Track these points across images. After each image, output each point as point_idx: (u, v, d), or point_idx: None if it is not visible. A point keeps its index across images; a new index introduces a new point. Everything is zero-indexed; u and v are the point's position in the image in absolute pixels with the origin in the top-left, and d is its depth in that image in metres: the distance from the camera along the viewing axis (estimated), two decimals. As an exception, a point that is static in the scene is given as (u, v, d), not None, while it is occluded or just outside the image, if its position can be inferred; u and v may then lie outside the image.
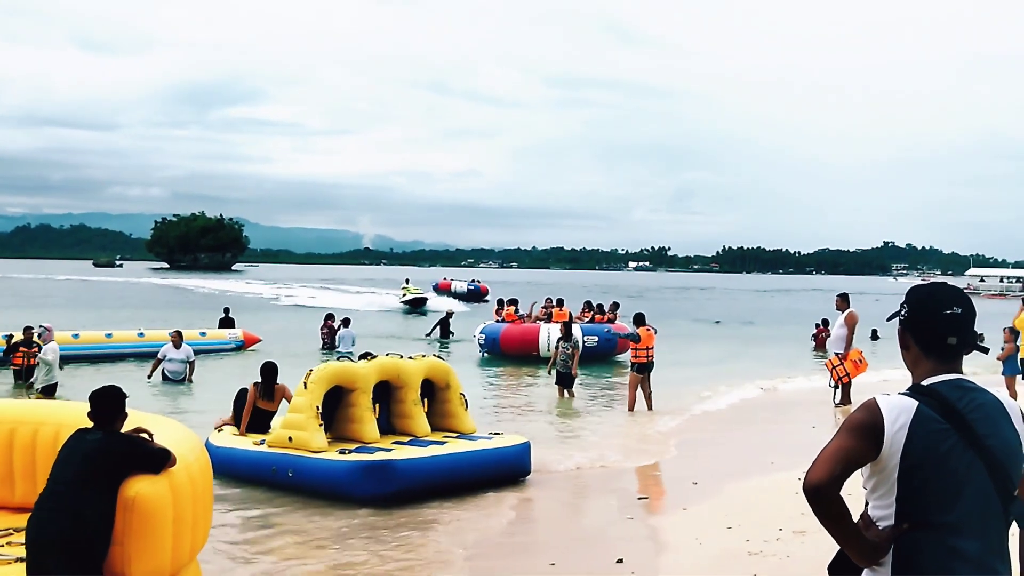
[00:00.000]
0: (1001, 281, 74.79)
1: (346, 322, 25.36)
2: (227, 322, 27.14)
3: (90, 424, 5.38)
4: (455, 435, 10.85)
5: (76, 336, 22.86)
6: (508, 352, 24.30)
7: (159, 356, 19.15)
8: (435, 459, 9.85)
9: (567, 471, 11.14)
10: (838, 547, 2.73)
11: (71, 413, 5.99)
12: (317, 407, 10.03)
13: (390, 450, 9.85)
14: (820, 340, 29.05)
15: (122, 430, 5.40)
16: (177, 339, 19.33)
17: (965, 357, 2.83)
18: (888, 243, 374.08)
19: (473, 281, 66.76)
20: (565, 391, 17.38)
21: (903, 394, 2.70)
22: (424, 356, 11.49)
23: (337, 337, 24.85)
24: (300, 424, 9.99)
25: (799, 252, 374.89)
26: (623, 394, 16.81)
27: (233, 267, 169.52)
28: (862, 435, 2.64)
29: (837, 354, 15.66)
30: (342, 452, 9.77)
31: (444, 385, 11.21)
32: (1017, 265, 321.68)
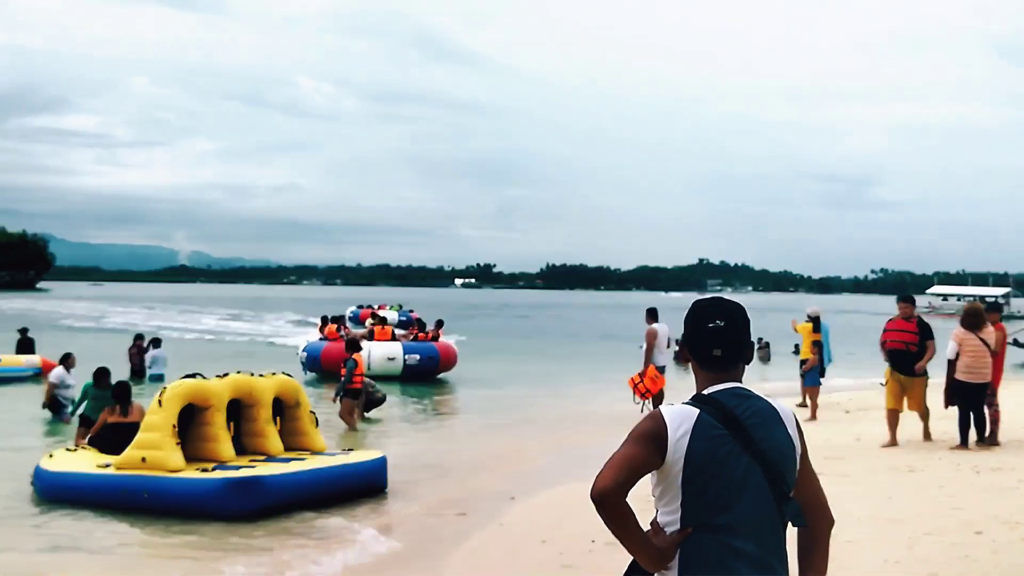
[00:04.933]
0: (959, 300, 79.37)
1: (156, 343, 24.19)
2: (25, 344, 25.31)
3: None
4: (308, 453, 10.68)
5: None
6: (329, 369, 23.84)
7: (52, 381, 16.79)
8: (301, 474, 9.75)
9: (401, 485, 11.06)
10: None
11: None
12: (174, 425, 9.67)
13: (253, 467, 9.66)
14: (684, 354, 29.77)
15: None
16: (71, 362, 17.07)
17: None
18: (703, 260, 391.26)
19: (404, 310, 53.15)
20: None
21: (686, 403, 2.82)
22: (275, 373, 11.21)
23: (148, 358, 23.65)
24: (155, 443, 9.60)
25: (620, 269, 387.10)
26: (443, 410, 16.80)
27: (37, 285, 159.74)
28: (647, 443, 2.74)
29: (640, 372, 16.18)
30: (204, 471, 9.48)
31: (294, 403, 11.01)
32: (822, 281, 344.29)
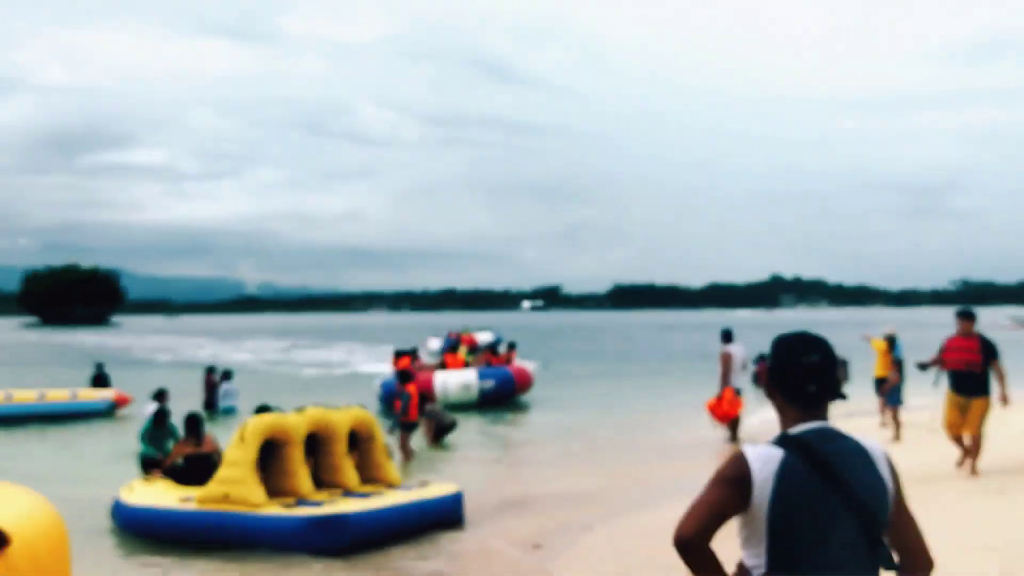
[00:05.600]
0: None
1: (227, 375, 24.46)
2: (100, 380, 25.78)
3: None
4: (384, 486, 10.66)
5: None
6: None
7: None
8: (382, 511, 9.71)
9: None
10: None
11: None
12: (255, 461, 9.69)
13: (335, 502, 9.66)
14: (762, 375, 29.30)
15: None
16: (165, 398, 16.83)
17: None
18: (776, 275, 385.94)
19: (496, 335, 49.95)
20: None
21: (770, 444, 2.75)
22: (350, 406, 11.21)
23: (219, 391, 23.93)
24: (238, 479, 9.60)
25: (690, 287, 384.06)
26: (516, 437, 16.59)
27: (110, 320, 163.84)
28: (730, 486, 2.68)
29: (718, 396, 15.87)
30: (287, 507, 9.48)
31: (368, 436, 10.97)
32: (900, 294, 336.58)
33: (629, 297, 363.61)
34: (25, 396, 22.90)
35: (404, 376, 16.71)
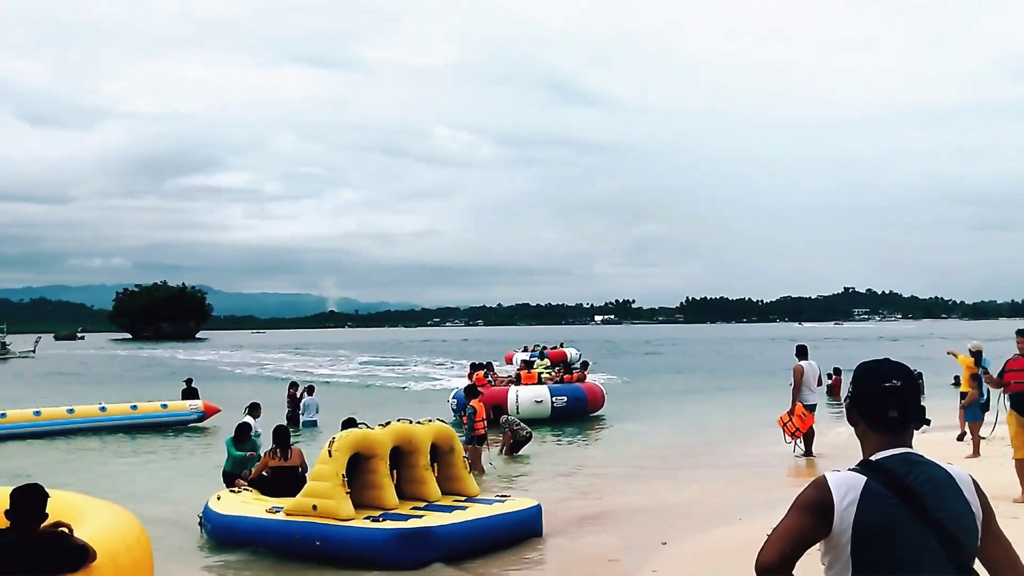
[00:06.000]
0: None
1: (310, 390, 25.12)
2: (190, 393, 26.71)
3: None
4: (463, 499, 10.87)
5: (37, 413, 22.53)
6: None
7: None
8: (467, 525, 9.87)
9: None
10: None
11: (1, 499, 5.69)
12: (343, 475, 9.93)
13: (420, 516, 9.86)
14: (836, 388, 29.13)
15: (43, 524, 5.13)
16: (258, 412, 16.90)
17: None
18: (849, 288, 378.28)
19: (542, 348, 50.65)
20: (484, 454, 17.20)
21: (852, 470, 2.72)
22: (431, 420, 11.45)
23: (301, 405, 24.58)
24: (326, 492, 9.85)
25: (762, 300, 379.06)
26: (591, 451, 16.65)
27: (197, 335, 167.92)
28: (812, 513, 2.65)
29: (789, 411, 15.84)
30: (374, 519, 9.68)
31: (448, 449, 11.22)
32: (976, 306, 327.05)
33: (701, 310, 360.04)
34: (119, 408, 23.86)
35: (471, 391, 17.06)
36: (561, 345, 53.69)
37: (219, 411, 25.13)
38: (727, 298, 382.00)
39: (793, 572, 2.62)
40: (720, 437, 19.98)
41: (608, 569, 9.36)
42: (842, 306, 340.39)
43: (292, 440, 12.50)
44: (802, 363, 15.89)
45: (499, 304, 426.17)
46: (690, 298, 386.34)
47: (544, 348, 51.30)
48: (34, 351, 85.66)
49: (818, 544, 2.70)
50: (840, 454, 15.84)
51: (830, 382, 29.25)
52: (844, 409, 2.92)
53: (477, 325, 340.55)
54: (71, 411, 23.14)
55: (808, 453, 15.83)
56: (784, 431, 15.90)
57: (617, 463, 17.06)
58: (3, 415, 21.76)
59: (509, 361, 47.71)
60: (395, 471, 10.71)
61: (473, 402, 16.42)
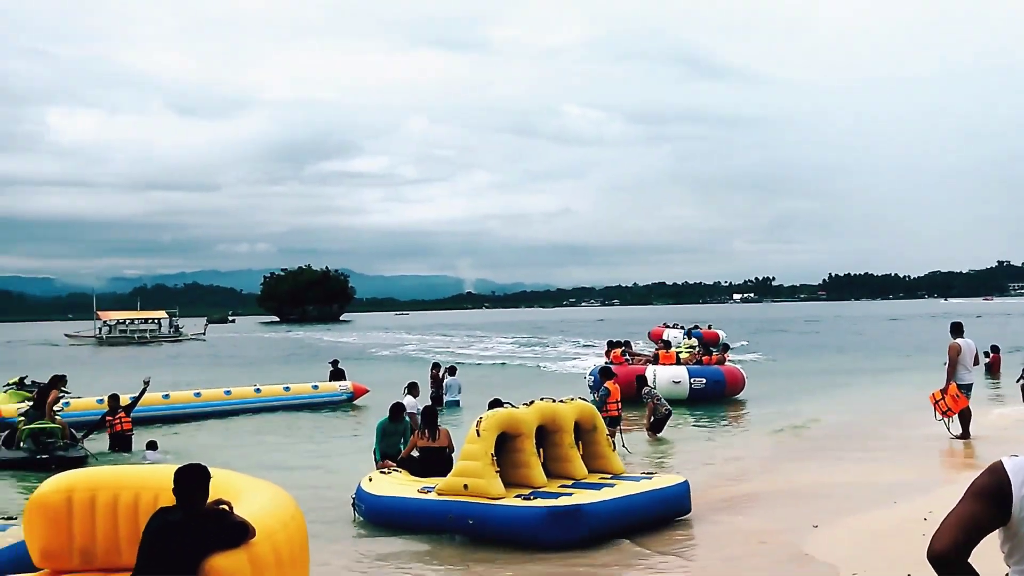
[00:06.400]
0: None
1: (452, 370, 25.61)
2: (337, 374, 27.66)
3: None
4: (609, 476, 10.93)
5: (197, 394, 23.75)
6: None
7: (410, 411, 15.44)
8: (618, 501, 9.92)
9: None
10: None
11: (170, 477, 5.95)
12: (492, 454, 10.09)
13: (570, 494, 9.95)
14: (995, 366, 28.06)
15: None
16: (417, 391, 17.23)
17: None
18: (1003, 262, 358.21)
19: (695, 328, 50.73)
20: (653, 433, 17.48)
21: None
22: (572, 399, 11.55)
23: (444, 386, 25.09)
24: (476, 471, 10.00)
25: (908, 276, 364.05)
26: (734, 432, 16.47)
27: (341, 317, 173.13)
28: (988, 500, 2.58)
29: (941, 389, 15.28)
30: (524, 498, 9.82)
31: (591, 427, 11.30)
32: None
33: (845, 287, 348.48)
34: (272, 390, 24.97)
35: (605, 372, 17.09)
36: (709, 327, 52.91)
37: (367, 391, 25.98)
38: (872, 274, 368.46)
39: (969, 561, 2.55)
40: (869, 419, 19.36)
41: (757, 552, 9.27)
42: (995, 281, 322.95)
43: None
44: (958, 341, 15.29)
45: (634, 283, 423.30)
46: (833, 274, 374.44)
47: (697, 327, 50.93)
48: (204, 334, 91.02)
49: (997, 531, 2.64)
50: (1000, 436, 15.19)
51: (988, 360, 27.96)
52: (1021, 390, 2.86)
53: (613, 305, 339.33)
54: (228, 392, 24.30)
55: (965, 436, 15.22)
56: (936, 409, 15.36)
57: (760, 445, 16.81)
58: (166, 396, 23.01)
59: (657, 338, 46.89)
60: (540, 450, 10.80)
61: (607, 383, 16.46)
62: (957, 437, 15.24)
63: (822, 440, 16.74)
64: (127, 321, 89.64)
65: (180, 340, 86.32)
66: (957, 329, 15.48)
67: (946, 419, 15.29)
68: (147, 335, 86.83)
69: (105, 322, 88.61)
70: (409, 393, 17.34)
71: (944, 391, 15.13)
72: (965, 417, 15.27)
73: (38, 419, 16.32)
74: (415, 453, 12.17)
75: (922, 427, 16.68)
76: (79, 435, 16.69)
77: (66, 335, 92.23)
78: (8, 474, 14.89)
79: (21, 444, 15.95)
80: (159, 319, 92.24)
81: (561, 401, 11.29)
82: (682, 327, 52.03)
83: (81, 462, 14.89)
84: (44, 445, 15.79)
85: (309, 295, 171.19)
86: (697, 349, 28.84)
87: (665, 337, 42.03)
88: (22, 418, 17.00)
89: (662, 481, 10.76)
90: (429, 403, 14.68)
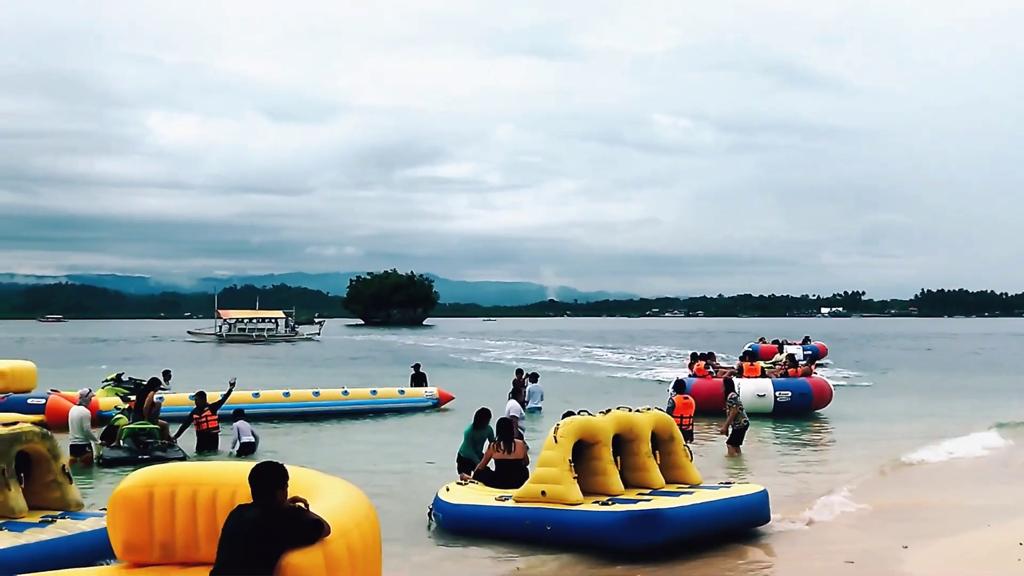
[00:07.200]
0: None
1: (534, 377, 25.67)
2: (419, 379, 27.86)
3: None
4: (687, 486, 10.90)
5: (287, 394, 24.29)
6: (697, 405, 23.95)
7: (514, 415, 16.02)
8: (697, 508, 9.93)
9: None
10: None
11: (246, 474, 6.07)
12: (570, 460, 10.15)
13: (650, 500, 9.99)
14: None
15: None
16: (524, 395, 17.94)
17: None
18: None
19: (807, 342, 49.78)
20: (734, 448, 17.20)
21: None
22: (649, 409, 11.55)
23: (526, 392, 25.18)
24: (554, 478, 10.08)
25: (1006, 293, 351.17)
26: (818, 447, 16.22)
27: (424, 322, 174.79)
28: None
29: None
30: (603, 503, 9.87)
31: (668, 437, 11.32)
32: None
33: (938, 303, 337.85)
34: (360, 393, 25.37)
35: (677, 386, 16.98)
36: (807, 340, 51.49)
37: (452, 398, 26.17)
38: (966, 290, 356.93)
39: None
40: (960, 438, 18.75)
41: (844, 571, 9.14)
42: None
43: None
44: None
45: (720, 295, 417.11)
46: (925, 290, 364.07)
47: (808, 340, 49.91)
48: (319, 334, 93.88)
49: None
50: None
51: None
52: None
53: (697, 316, 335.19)
54: (316, 394, 24.74)
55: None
56: None
57: (845, 461, 16.53)
58: (256, 395, 23.56)
59: (772, 354, 42.74)
60: (617, 459, 10.78)
61: (675, 396, 16.40)
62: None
63: (908, 460, 16.29)
64: (246, 320, 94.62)
65: (296, 339, 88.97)
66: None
67: None
68: (265, 334, 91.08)
69: (226, 320, 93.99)
70: (514, 397, 17.48)
71: None
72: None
73: (138, 419, 16.95)
74: (491, 466, 12.12)
75: (1018, 449, 16.22)
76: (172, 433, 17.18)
77: (188, 332, 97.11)
78: (109, 472, 15.46)
79: (122, 443, 16.57)
80: (276, 319, 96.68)
81: (638, 411, 11.28)
82: (797, 343, 50.43)
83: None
84: (144, 445, 16.42)
85: (394, 299, 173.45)
86: (783, 362, 28.38)
87: (788, 351, 40.11)
88: (119, 415, 17.62)
89: (740, 490, 10.72)
90: (505, 416, 14.67)
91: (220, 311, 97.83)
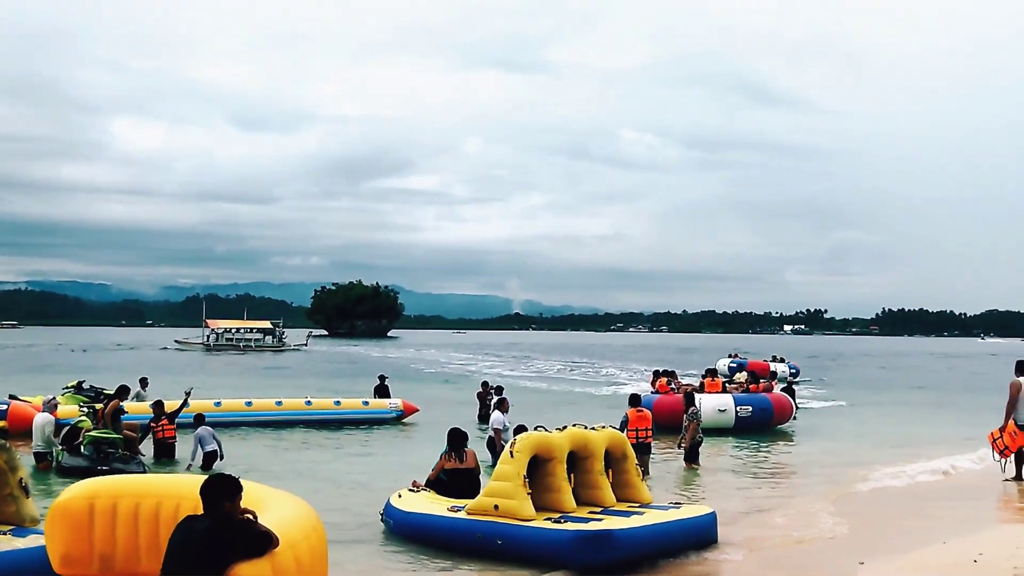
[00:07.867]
0: None
1: (499, 390, 25.72)
2: (382, 390, 27.78)
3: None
4: (637, 505, 10.94)
5: (249, 404, 24.14)
6: (659, 421, 24.13)
7: (496, 427, 16.79)
8: (646, 529, 9.92)
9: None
10: None
11: (191, 487, 6.12)
12: (524, 476, 10.13)
13: (600, 519, 9.99)
14: None
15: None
16: (506, 406, 17.47)
17: None
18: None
19: (791, 363, 50.05)
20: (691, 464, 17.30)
21: None
22: (604, 427, 11.58)
23: (490, 405, 25.17)
24: (508, 492, 10.04)
25: (965, 314, 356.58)
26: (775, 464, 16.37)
27: (388, 333, 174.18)
28: None
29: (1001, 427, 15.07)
30: (554, 521, 9.85)
31: (621, 455, 11.32)
32: None
33: (898, 322, 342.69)
34: (323, 403, 25.29)
35: (632, 399, 17.06)
36: (780, 359, 51.54)
37: (417, 410, 26.12)
38: (927, 310, 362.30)
39: None
40: (918, 455, 19.03)
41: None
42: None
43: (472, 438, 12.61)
44: (1020, 379, 15.09)
45: (684, 310, 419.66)
46: (886, 309, 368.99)
47: (783, 359, 49.99)
48: (306, 344, 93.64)
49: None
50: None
51: None
52: None
53: (661, 331, 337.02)
54: (279, 403, 24.65)
55: (1018, 478, 15.00)
56: (993, 448, 15.20)
57: (802, 477, 16.70)
58: (217, 403, 23.39)
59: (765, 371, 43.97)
60: (571, 475, 10.81)
61: (628, 411, 16.44)
62: (1011, 479, 15.02)
63: (867, 476, 16.51)
64: (233, 330, 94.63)
65: (283, 350, 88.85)
66: (1021, 368, 15.25)
67: (1003, 459, 15.11)
68: (252, 344, 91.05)
69: (213, 330, 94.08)
70: (497, 408, 17.47)
71: (1003, 429, 14.96)
72: (1020, 459, 15.06)
73: (101, 427, 16.62)
74: (442, 475, 12.00)
75: (974, 468, 16.48)
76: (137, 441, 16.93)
77: (176, 341, 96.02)
78: (66, 481, 15.22)
79: (83, 449, 16.26)
80: (264, 329, 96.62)
81: (593, 428, 11.30)
82: (782, 359, 50.73)
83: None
84: (105, 454, 16.00)
85: (358, 310, 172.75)
86: (744, 379, 28.63)
87: (772, 370, 39.98)
88: (83, 418, 17.35)
89: (690, 511, 10.76)
90: (457, 426, 14.52)
91: (208, 320, 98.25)
